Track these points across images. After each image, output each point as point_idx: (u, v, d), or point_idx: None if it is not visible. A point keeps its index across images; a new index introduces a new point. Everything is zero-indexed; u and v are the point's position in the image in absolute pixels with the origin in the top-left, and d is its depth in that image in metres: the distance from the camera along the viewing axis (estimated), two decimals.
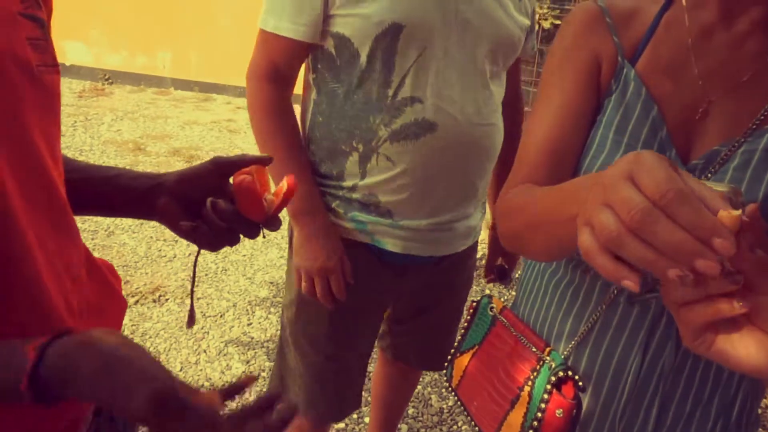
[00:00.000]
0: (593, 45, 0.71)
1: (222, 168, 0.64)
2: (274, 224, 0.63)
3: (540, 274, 0.80)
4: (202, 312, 2.48)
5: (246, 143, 4.98)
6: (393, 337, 1.33)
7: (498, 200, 0.75)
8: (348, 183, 1.04)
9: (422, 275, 1.15)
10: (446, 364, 0.90)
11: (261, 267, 2.86)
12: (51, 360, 0.44)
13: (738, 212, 0.38)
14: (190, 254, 2.89)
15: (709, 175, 0.64)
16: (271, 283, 2.74)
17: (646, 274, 0.44)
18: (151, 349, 2.20)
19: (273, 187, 0.64)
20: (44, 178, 0.52)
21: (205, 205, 0.63)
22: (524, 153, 0.73)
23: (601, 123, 0.69)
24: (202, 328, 2.36)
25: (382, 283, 1.12)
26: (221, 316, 2.44)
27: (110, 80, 6.42)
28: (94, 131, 4.66)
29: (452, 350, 0.89)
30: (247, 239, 0.64)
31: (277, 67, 1.02)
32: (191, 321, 0.74)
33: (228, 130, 5.23)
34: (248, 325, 2.40)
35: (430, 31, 0.95)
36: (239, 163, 0.63)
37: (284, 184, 0.63)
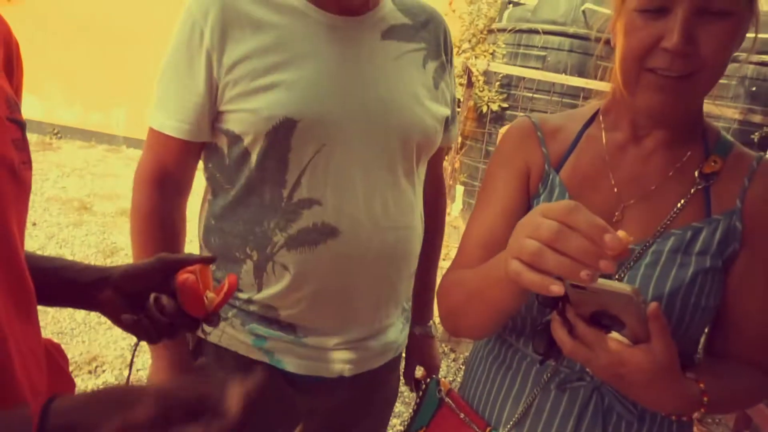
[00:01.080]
0: (525, 154, 0.83)
1: (167, 266, 0.68)
2: (213, 320, 0.68)
3: (483, 359, 0.86)
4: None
5: (192, 208, 4.93)
6: None
7: (439, 284, 0.84)
8: (244, 295, 0.94)
9: (334, 393, 1.01)
10: None
11: None
12: (56, 411, 0.45)
13: (623, 233, 0.55)
14: None
15: (625, 270, 0.72)
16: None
17: (572, 362, 0.55)
18: None
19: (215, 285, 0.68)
20: (17, 266, 0.54)
21: (148, 300, 0.66)
22: (464, 245, 0.83)
23: None
24: None
25: (285, 405, 0.98)
26: None
27: (59, 135, 6.30)
28: (38, 187, 4.51)
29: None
30: None
31: (167, 168, 0.92)
32: None
33: None
34: None
35: (328, 126, 0.86)
36: (184, 261, 0.67)
37: (225, 282, 0.67)
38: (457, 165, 4.21)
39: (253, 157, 0.87)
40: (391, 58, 0.92)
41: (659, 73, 0.67)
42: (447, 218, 3.95)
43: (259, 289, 0.92)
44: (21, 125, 0.57)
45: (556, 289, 0.54)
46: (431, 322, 1.23)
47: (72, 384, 0.71)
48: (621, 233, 0.54)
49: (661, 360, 0.61)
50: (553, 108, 3.92)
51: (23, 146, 0.56)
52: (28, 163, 0.57)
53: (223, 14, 0.84)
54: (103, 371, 2.41)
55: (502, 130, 4.58)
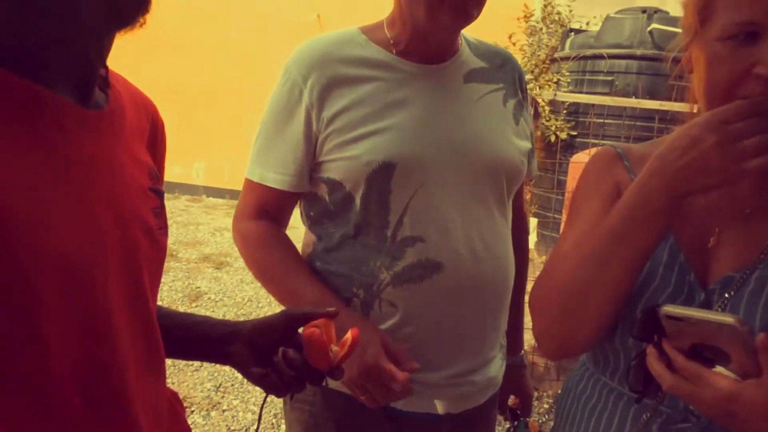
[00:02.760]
0: (615, 177, 0.81)
1: (293, 320, 0.72)
2: (338, 374, 0.70)
3: (576, 399, 0.82)
4: (227, 425, 2.44)
5: None
6: None
7: (530, 298, 0.81)
8: None
9: (437, 431, 1.01)
10: None
11: None
12: None
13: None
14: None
15: (727, 296, 0.68)
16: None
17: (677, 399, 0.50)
18: None
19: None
20: (148, 323, 0.60)
21: (276, 354, 0.70)
22: (552, 262, 0.78)
23: None
24: None
25: None
26: (246, 430, 2.39)
27: None
28: None
29: None
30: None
31: (267, 210, 1.00)
32: None
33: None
34: None
35: (424, 166, 0.90)
36: (309, 316, 0.70)
37: (348, 336, 0.70)
38: (528, 197, 4.14)
39: (357, 201, 0.93)
40: (474, 99, 0.98)
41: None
42: None
43: None
44: (160, 195, 0.64)
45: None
46: (522, 351, 1.23)
47: (189, 431, 0.75)
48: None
49: None
50: (625, 132, 3.80)
51: (161, 214, 0.63)
52: (164, 228, 0.64)
53: (321, 77, 0.92)
54: (192, 411, 2.51)
55: (574, 158, 4.46)
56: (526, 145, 1.04)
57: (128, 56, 1.66)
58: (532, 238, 5.04)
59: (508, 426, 1.04)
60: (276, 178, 0.96)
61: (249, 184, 1.00)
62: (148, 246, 0.59)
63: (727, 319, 0.57)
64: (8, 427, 0.45)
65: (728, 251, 0.72)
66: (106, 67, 0.58)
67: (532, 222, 5.11)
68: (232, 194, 6.66)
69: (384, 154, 0.89)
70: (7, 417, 0.44)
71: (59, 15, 0.45)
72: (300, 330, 0.72)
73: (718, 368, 0.61)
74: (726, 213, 0.73)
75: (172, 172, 6.83)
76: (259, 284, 4.31)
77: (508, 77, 1.04)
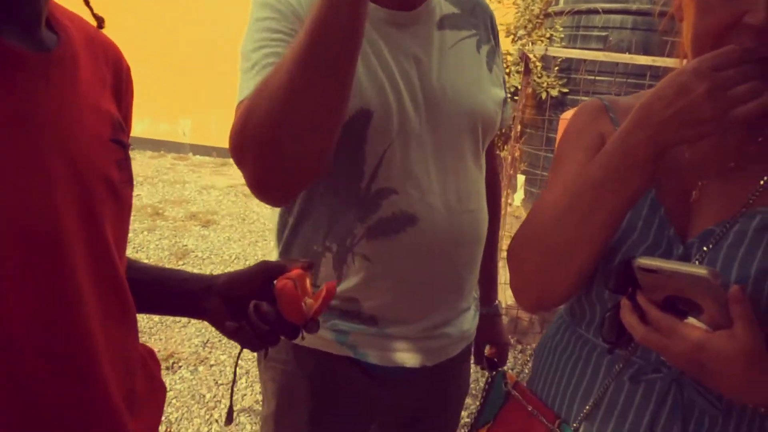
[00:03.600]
0: (600, 128, 0.79)
1: (268, 272, 0.69)
2: (312, 327, 0.68)
3: (552, 351, 0.82)
4: (214, 380, 2.47)
5: (261, 207, 5.08)
6: None
7: (510, 249, 0.79)
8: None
9: (410, 386, 1.01)
10: None
11: None
12: None
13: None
14: None
15: (706, 249, 0.67)
16: (233, 389, 2.72)
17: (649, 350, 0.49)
18: (162, 419, 2.18)
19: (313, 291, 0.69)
20: (115, 279, 0.57)
21: (249, 308, 0.67)
22: (533, 214, 0.77)
23: None
24: (214, 397, 2.34)
25: (367, 398, 0.99)
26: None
27: (132, 147, 6.67)
28: None
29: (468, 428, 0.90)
30: None
31: None
32: (229, 419, 0.77)
33: (244, 195, 5.36)
34: (261, 393, 2.37)
35: (400, 116, 0.87)
36: (283, 267, 0.68)
37: (323, 288, 0.67)
38: (517, 154, 4.10)
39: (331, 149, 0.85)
40: (447, 46, 0.93)
41: None
42: (509, 208, 3.85)
43: (340, 282, 0.92)
44: (125, 146, 0.60)
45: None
46: (497, 301, 1.23)
47: (164, 389, 0.74)
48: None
49: (746, 346, 0.56)
50: (617, 90, 3.74)
51: (126, 166, 0.60)
52: (128, 182, 0.61)
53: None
54: (180, 367, 2.53)
55: (564, 115, 4.41)
56: (501, 93, 1.01)
57: (112, 9, 1.58)
58: (519, 195, 5.04)
59: (487, 376, 1.05)
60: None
61: (240, 107, 0.81)
62: (110, 200, 0.56)
63: (701, 271, 0.56)
64: None
65: (710, 205, 0.70)
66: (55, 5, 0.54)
67: (520, 179, 5.10)
68: (219, 152, 6.57)
69: (361, 101, 0.84)
70: None
71: None
72: (275, 282, 0.70)
73: (691, 320, 0.60)
74: (710, 167, 0.71)
75: (157, 130, 6.71)
76: (246, 241, 4.28)
77: (480, 22, 1.00)
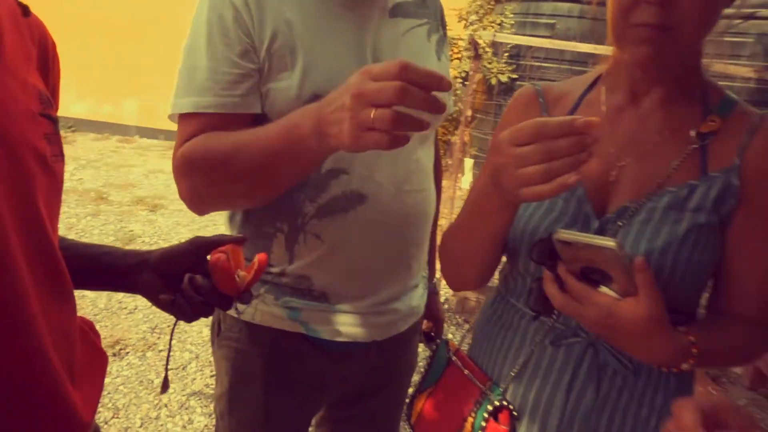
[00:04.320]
0: (528, 118, 0.82)
1: (200, 248, 0.71)
2: (245, 298, 0.70)
3: (487, 320, 0.88)
4: (163, 365, 2.44)
5: None
6: (331, 424, 1.20)
7: (440, 241, 0.86)
8: (276, 269, 0.94)
9: (361, 360, 1.04)
10: (407, 402, 0.96)
11: None
12: None
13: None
14: (151, 306, 2.85)
15: (620, 224, 0.73)
16: (168, 358, 2.72)
17: (568, 319, 0.53)
18: (109, 405, 2.14)
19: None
20: (49, 251, 0.57)
21: (183, 281, 0.69)
22: (462, 209, 0.82)
23: None
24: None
25: (318, 374, 1.01)
26: (183, 369, 2.41)
27: (73, 128, 6.39)
28: None
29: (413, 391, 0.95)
30: None
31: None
32: (165, 387, 0.78)
33: None
34: (211, 376, 2.37)
35: None
36: (216, 242, 0.70)
37: (256, 261, 0.69)
38: (467, 138, 4.18)
39: None
40: (399, 33, 0.95)
41: (643, 26, 0.66)
42: (458, 192, 3.91)
43: (291, 261, 0.93)
44: (53, 120, 0.60)
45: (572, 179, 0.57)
46: (435, 279, 1.27)
47: (105, 358, 0.75)
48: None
49: (648, 312, 0.62)
50: (563, 76, 3.86)
51: (55, 140, 0.60)
52: (59, 156, 0.61)
53: None
54: (127, 353, 2.49)
55: None
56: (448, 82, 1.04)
57: None
58: (467, 179, 5.13)
59: (432, 346, 1.09)
60: (218, 101, 0.83)
61: (182, 121, 0.85)
62: (41, 174, 0.56)
63: (609, 242, 0.61)
64: None
65: (627, 184, 0.76)
66: None
67: (468, 163, 5.20)
68: (167, 135, 6.37)
69: (314, 87, 0.85)
70: None
71: None
72: (208, 257, 0.72)
73: (603, 288, 0.66)
74: (628, 150, 0.77)
75: (101, 111, 6.44)
76: (196, 226, 4.20)
77: (430, 12, 1.02)
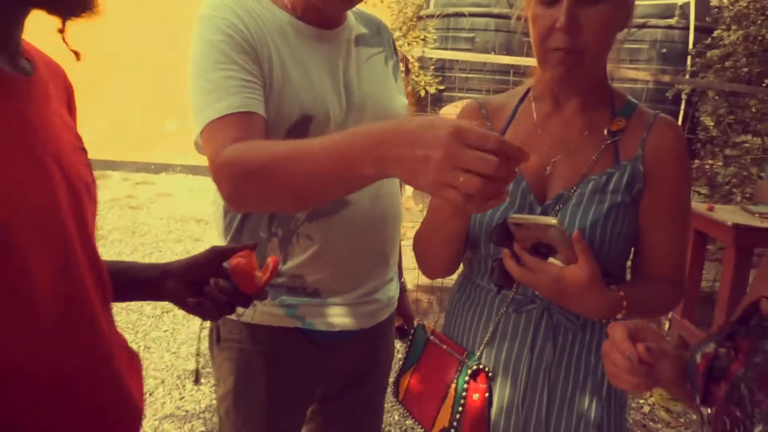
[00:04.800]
0: None
1: (219, 255, 0.81)
2: (263, 295, 0.81)
3: (458, 301, 1.04)
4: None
5: (150, 218, 4.91)
6: (323, 416, 1.30)
7: (413, 240, 1.02)
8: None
9: (350, 350, 1.15)
10: (393, 382, 1.10)
11: (185, 340, 2.86)
12: None
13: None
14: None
15: (558, 208, 0.91)
16: (198, 354, 2.74)
17: (527, 288, 0.70)
18: None
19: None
20: (99, 267, 0.67)
21: (208, 284, 0.79)
22: (425, 217, 0.99)
23: None
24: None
25: (315, 365, 1.12)
26: (150, 395, 2.41)
27: None
28: None
29: (397, 372, 1.10)
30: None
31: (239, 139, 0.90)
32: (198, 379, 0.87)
33: (129, 207, 5.14)
34: (180, 399, 2.39)
35: (334, 119, 1.01)
36: (231, 250, 0.81)
37: (269, 262, 0.81)
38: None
39: None
40: (363, 60, 1.10)
41: (557, 50, 0.86)
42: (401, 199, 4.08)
43: (285, 261, 1.04)
44: (85, 151, 0.70)
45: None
46: (403, 279, 1.41)
47: (137, 355, 0.81)
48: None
49: (587, 274, 0.80)
50: (486, 86, 4.16)
51: (90, 170, 0.70)
52: (94, 183, 0.70)
53: (249, 20, 0.94)
54: None
55: (443, 111, 4.78)
56: (404, 100, 1.19)
57: None
58: (408, 188, 5.36)
59: (411, 331, 1.22)
60: (243, 101, 0.89)
61: (211, 128, 0.89)
62: (87, 198, 0.66)
63: (551, 220, 0.78)
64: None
65: (560, 176, 0.95)
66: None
67: None
68: (97, 164, 6.13)
69: (302, 108, 0.96)
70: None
71: None
72: (225, 264, 0.82)
73: (551, 260, 0.83)
74: (557, 148, 0.96)
75: None
76: (139, 254, 4.14)
77: (384, 41, 1.17)
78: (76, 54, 0.65)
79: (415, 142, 0.61)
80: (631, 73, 3.24)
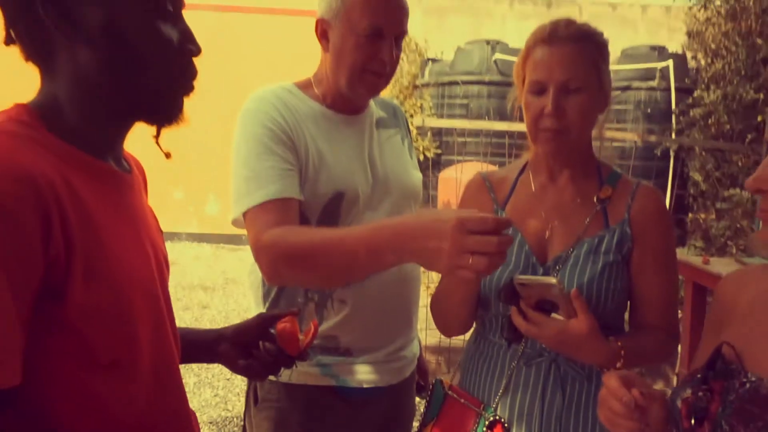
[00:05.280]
0: (478, 203, 1.14)
1: (266, 321, 0.92)
2: (305, 356, 0.91)
3: (473, 356, 1.13)
4: None
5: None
6: None
7: (430, 301, 1.13)
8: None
9: (377, 405, 1.23)
10: None
11: (197, 408, 2.88)
12: None
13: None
14: None
15: (558, 268, 1.02)
16: (211, 422, 2.76)
17: (535, 342, 0.82)
18: None
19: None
20: (175, 326, 0.79)
21: (256, 348, 0.89)
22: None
23: None
24: None
25: (345, 420, 1.20)
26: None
27: None
28: None
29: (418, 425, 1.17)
30: None
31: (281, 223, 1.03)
32: None
33: None
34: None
35: (363, 195, 1.14)
36: (277, 316, 0.91)
37: (311, 326, 0.91)
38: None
39: (313, 223, 1.12)
40: (383, 141, 1.25)
41: (547, 131, 1.00)
42: None
43: (321, 323, 1.13)
44: (162, 233, 0.83)
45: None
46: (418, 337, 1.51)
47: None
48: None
49: (587, 327, 0.90)
50: (483, 149, 4.37)
51: (165, 247, 0.82)
52: (167, 258, 0.82)
53: (287, 114, 1.11)
54: None
55: (442, 174, 4.96)
56: (419, 174, 1.34)
57: None
58: None
59: (429, 385, 1.30)
60: (281, 188, 1.03)
61: (253, 213, 1.03)
62: (167, 272, 0.78)
63: (551, 280, 0.90)
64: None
65: (558, 239, 1.07)
66: None
67: None
68: None
69: (335, 186, 1.10)
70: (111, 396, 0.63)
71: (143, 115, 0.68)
72: (271, 329, 0.92)
73: (554, 315, 0.93)
74: (554, 214, 1.08)
75: None
76: None
77: (399, 122, 1.32)
78: (167, 155, 0.78)
79: (427, 236, 0.73)
80: (619, 135, 3.43)
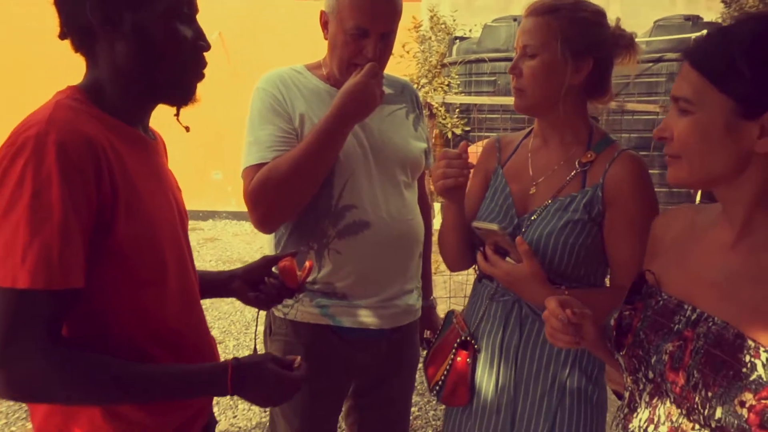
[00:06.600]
0: (487, 165, 1.30)
1: (270, 262, 1.11)
2: (303, 289, 1.11)
3: (473, 291, 1.30)
4: None
5: (200, 261, 5.26)
6: (358, 411, 1.52)
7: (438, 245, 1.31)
8: (309, 278, 1.30)
9: (377, 349, 1.39)
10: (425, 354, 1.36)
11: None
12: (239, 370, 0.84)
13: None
14: None
15: (529, 221, 1.15)
16: (255, 336, 3.00)
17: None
18: None
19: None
20: (194, 266, 0.98)
21: (263, 282, 1.09)
22: None
23: (487, 194, 1.26)
24: None
25: (346, 358, 1.36)
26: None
27: None
28: None
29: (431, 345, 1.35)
30: None
31: None
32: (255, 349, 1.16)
33: None
34: (234, 417, 2.65)
35: (354, 160, 1.30)
36: (278, 258, 1.10)
37: (307, 264, 1.10)
38: (432, 187, 4.68)
39: None
40: (385, 115, 1.41)
41: (513, 88, 1.15)
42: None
43: (320, 270, 1.32)
44: (181, 191, 1.02)
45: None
46: (432, 297, 1.67)
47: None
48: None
49: (530, 271, 1.03)
50: (506, 125, 4.44)
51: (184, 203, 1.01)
52: (186, 211, 1.01)
53: (288, 91, 1.32)
54: None
55: (471, 148, 5.04)
56: (423, 145, 1.48)
57: None
58: (438, 221, 5.60)
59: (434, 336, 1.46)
60: (273, 153, 1.24)
61: (246, 171, 1.26)
62: (186, 221, 0.98)
63: (493, 227, 1.04)
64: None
65: (539, 196, 1.19)
66: None
67: (437, 207, 5.70)
68: None
69: None
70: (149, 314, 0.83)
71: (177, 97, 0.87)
72: (274, 268, 1.12)
73: (507, 258, 1.07)
74: (540, 173, 1.20)
75: None
76: None
77: (407, 99, 1.48)
78: (187, 128, 0.97)
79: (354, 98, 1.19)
80: (640, 106, 3.46)
